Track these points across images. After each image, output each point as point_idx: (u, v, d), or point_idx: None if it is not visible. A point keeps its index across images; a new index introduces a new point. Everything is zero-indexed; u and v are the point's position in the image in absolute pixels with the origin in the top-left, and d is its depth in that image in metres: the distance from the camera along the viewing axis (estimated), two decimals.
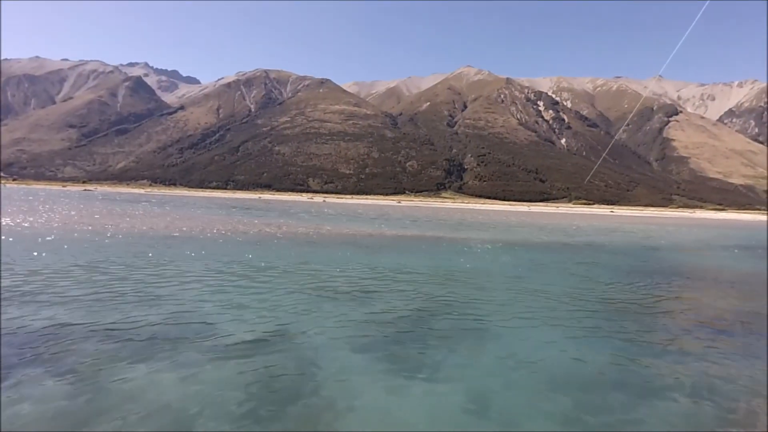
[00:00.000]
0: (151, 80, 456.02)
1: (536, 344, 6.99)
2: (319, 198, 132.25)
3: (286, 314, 7.99)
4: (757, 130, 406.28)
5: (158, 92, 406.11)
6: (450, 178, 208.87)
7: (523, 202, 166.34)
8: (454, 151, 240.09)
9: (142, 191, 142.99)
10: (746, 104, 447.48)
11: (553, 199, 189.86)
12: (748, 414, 4.90)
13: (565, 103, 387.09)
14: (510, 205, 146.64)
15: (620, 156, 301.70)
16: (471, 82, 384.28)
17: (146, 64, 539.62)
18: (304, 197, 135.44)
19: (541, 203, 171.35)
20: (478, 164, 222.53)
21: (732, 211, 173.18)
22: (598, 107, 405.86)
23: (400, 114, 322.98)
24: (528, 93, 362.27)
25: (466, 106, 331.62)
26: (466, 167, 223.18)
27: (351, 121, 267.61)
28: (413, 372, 5.70)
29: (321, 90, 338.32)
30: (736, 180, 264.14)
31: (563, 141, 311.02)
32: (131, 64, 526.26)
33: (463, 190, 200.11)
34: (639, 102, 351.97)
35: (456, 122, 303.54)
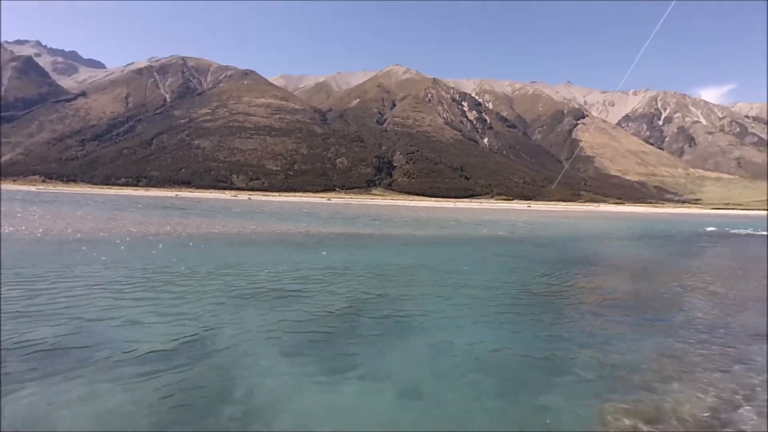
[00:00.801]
0: (45, 61, 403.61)
1: (465, 335, 7.44)
2: (244, 195, 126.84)
3: (207, 321, 7.78)
4: (648, 133, 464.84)
5: (53, 75, 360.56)
6: (380, 175, 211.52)
7: (449, 199, 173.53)
8: (384, 148, 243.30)
9: (33, 188, 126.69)
10: (640, 110, 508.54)
11: (477, 196, 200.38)
12: (644, 385, 5.70)
13: (487, 105, 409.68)
14: (437, 201, 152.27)
15: (536, 155, 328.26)
16: (400, 81, 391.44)
17: (38, 43, 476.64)
18: (227, 195, 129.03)
19: (466, 199, 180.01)
20: (407, 162, 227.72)
21: (629, 204, 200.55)
22: (517, 109, 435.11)
23: (330, 110, 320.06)
24: (453, 94, 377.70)
25: (395, 104, 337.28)
26: (395, 165, 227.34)
27: (278, 116, 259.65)
28: (345, 371, 5.81)
29: (245, 82, 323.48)
30: (631, 177, 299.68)
31: (486, 140, 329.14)
32: (19, 42, 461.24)
33: (392, 187, 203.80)
34: (552, 105, 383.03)
35: (385, 120, 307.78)
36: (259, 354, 6.36)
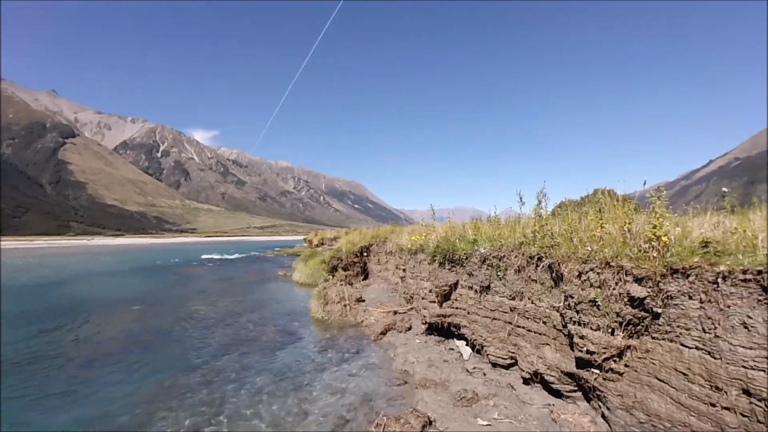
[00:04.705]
0: None
1: None
2: None
3: None
4: (147, 163, 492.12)
5: None
6: None
7: None
8: None
9: None
10: (138, 139, 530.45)
11: None
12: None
13: None
14: None
15: (6, 175, 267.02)
16: None
17: None
18: None
19: None
20: None
21: (129, 235, 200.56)
22: None
23: None
24: None
25: None
26: None
27: None
28: None
29: None
30: (131, 207, 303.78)
31: None
32: None
33: None
34: (30, 115, 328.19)
35: None
36: None
